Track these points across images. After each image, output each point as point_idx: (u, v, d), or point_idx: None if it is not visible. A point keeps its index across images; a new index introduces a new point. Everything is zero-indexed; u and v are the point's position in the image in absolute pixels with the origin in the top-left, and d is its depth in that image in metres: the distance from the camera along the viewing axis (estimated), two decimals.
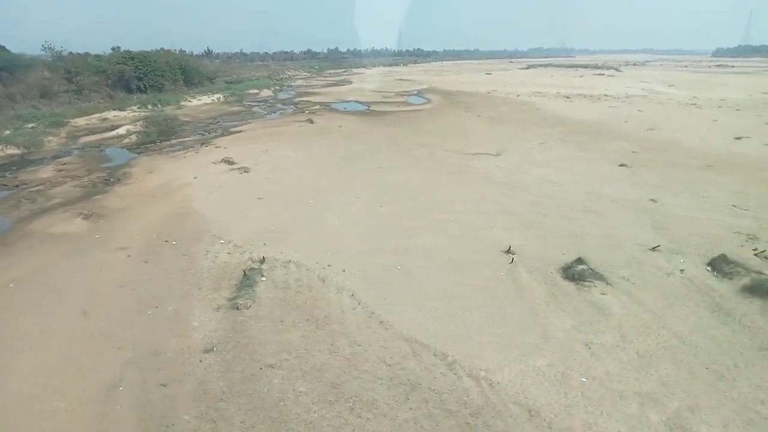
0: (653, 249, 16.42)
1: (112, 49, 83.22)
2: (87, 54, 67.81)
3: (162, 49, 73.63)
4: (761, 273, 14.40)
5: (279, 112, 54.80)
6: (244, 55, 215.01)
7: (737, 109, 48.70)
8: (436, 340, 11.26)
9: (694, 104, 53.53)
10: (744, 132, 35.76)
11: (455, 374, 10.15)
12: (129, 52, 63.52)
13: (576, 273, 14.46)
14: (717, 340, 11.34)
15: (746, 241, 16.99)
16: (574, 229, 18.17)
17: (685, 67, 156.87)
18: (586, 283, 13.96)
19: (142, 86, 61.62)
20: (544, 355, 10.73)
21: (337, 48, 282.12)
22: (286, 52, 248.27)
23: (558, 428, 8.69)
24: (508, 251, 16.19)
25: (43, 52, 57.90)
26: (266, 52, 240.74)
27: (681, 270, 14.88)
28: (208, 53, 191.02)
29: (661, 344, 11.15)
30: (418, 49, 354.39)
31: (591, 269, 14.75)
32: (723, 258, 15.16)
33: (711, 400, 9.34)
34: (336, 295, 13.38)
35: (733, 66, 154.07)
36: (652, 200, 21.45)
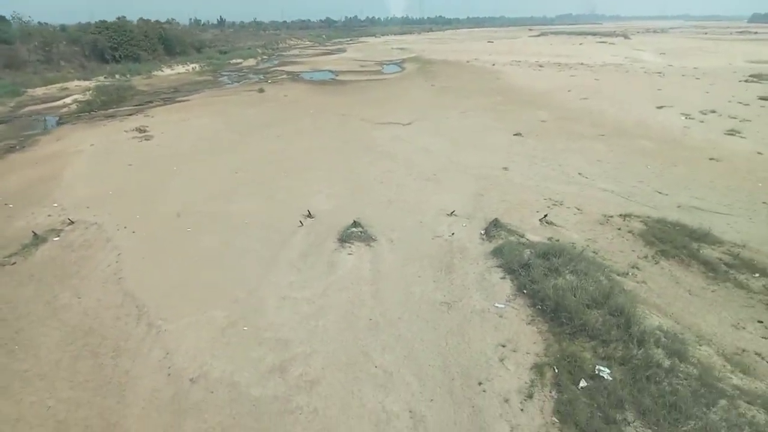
0: (449, 214, 17.03)
1: (117, 18, 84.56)
2: (66, 25, 69.50)
3: (141, 18, 74.21)
4: (521, 236, 14.99)
5: (242, 82, 55.61)
6: (258, 23, 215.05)
7: (696, 78, 47.62)
8: (151, 295, 12.40)
9: (660, 72, 52.44)
10: (674, 101, 35.25)
11: (136, 323, 11.33)
12: (104, 22, 64.77)
13: (346, 234, 15.26)
14: (410, 296, 12.19)
15: (549, 207, 17.45)
16: (396, 195, 18.90)
17: (705, 33, 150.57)
18: (347, 244, 14.82)
19: (117, 56, 63.02)
20: (232, 308, 11.78)
21: (356, 16, 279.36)
22: (303, 21, 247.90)
23: (176, 368, 9.77)
24: (308, 215, 16.99)
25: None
26: (284, 21, 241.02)
27: (452, 233, 15.56)
28: (221, 22, 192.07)
29: (351, 299, 12.07)
30: (440, 16, 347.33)
31: (364, 231, 15.53)
32: (496, 223, 15.77)
33: (336, 346, 10.29)
34: (106, 253, 14.60)
35: (756, 32, 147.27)
36: (504, 168, 21.84)
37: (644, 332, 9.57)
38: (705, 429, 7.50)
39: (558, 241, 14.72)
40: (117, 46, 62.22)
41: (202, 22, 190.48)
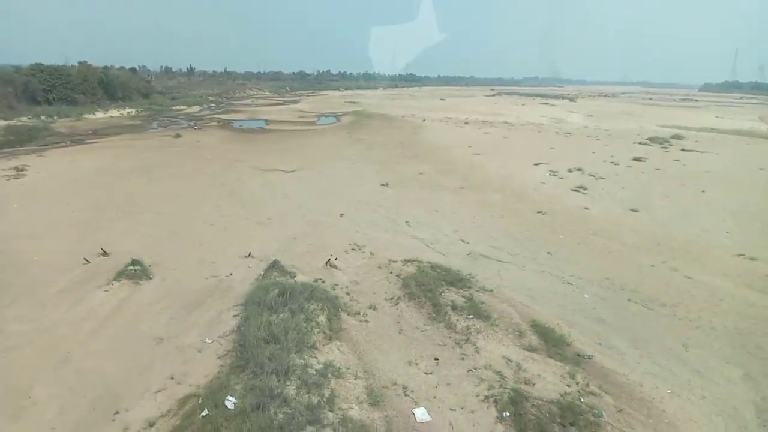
0: (246, 256, 17.57)
1: (79, 62, 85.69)
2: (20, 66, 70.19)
3: (81, 62, 75.59)
4: (292, 277, 15.54)
5: (169, 127, 56.43)
6: (228, 73, 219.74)
7: (598, 139, 50.25)
8: None
9: (569, 133, 54.99)
10: (553, 160, 37.05)
11: None
12: (40, 65, 65.57)
13: (120, 273, 15.60)
14: (131, 332, 12.57)
15: (347, 251, 18.12)
16: (212, 237, 19.62)
17: (650, 99, 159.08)
18: (115, 282, 15.12)
19: (51, 98, 63.60)
20: None
21: (329, 70, 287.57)
22: (276, 72, 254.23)
23: None
24: (103, 254, 17.30)
25: None
26: (259, 72, 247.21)
27: (230, 274, 15.99)
28: (191, 70, 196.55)
29: (67, 334, 12.40)
30: (411, 74, 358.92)
31: (141, 269, 15.91)
32: (274, 264, 16.35)
33: (10, 382, 10.42)
34: None
35: (696, 100, 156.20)
36: (340, 215, 22.61)
37: (290, 366, 10.00)
38: None
39: (323, 281, 15.20)
40: (51, 89, 62.92)
41: (174, 70, 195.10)
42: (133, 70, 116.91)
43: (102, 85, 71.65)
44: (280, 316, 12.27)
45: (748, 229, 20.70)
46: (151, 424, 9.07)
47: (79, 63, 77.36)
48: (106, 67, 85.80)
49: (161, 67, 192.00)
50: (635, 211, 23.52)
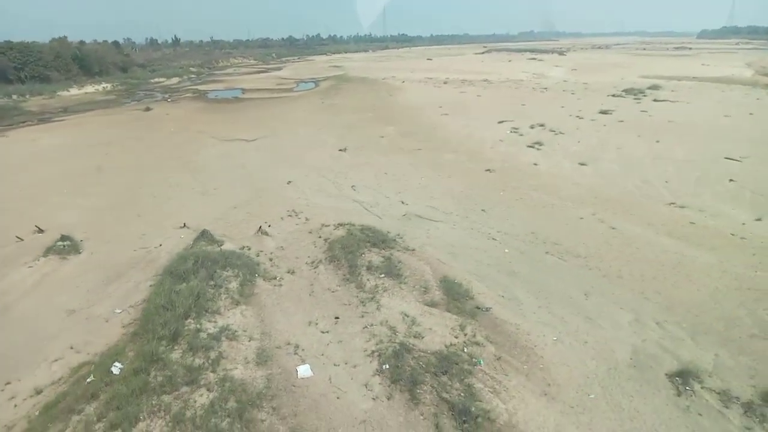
0: (181, 227, 17.72)
1: (53, 39, 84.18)
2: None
3: (53, 39, 74.28)
4: (220, 246, 15.71)
5: (143, 101, 55.86)
6: (215, 42, 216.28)
7: (573, 93, 49.58)
8: None
9: (545, 88, 54.35)
10: (518, 116, 36.76)
11: None
12: (9, 42, 64.45)
13: (49, 248, 15.78)
14: (46, 305, 12.83)
15: (282, 217, 18.28)
16: (153, 209, 19.88)
17: (644, 49, 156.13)
18: (42, 257, 15.29)
19: (22, 76, 62.76)
20: None
21: (318, 35, 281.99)
22: (264, 39, 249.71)
23: None
24: (38, 230, 17.46)
25: None
26: (248, 39, 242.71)
27: (160, 245, 16.16)
28: (176, 41, 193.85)
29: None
30: (403, 34, 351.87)
31: (70, 244, 16.16)
32: (203, 233, 16.53)
33: None
34: None
35: (690, 48, 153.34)
36: (288, 182, 22.73)
37: (180, 331, 10.27)
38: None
39: (249, 248, 15.39)
40: (22, 67, 61.96)
41: (159, 42, 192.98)
42: (115, 43, 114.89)
43: (77, 61, 70.55)
44: (190, 284, 12.38)
45: (687, 178, 20.70)
46: (38, 392, 9.38)
47: (52, 39, 76.04)
48: (81, 42, 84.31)
49: (146, 39, 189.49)
50: (583, 164, 23.48)
